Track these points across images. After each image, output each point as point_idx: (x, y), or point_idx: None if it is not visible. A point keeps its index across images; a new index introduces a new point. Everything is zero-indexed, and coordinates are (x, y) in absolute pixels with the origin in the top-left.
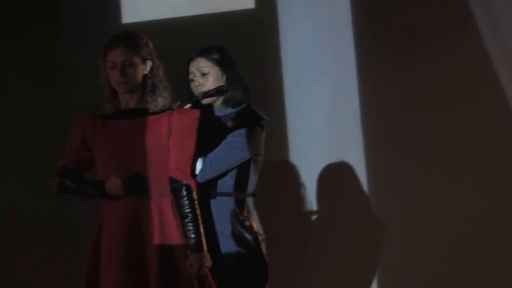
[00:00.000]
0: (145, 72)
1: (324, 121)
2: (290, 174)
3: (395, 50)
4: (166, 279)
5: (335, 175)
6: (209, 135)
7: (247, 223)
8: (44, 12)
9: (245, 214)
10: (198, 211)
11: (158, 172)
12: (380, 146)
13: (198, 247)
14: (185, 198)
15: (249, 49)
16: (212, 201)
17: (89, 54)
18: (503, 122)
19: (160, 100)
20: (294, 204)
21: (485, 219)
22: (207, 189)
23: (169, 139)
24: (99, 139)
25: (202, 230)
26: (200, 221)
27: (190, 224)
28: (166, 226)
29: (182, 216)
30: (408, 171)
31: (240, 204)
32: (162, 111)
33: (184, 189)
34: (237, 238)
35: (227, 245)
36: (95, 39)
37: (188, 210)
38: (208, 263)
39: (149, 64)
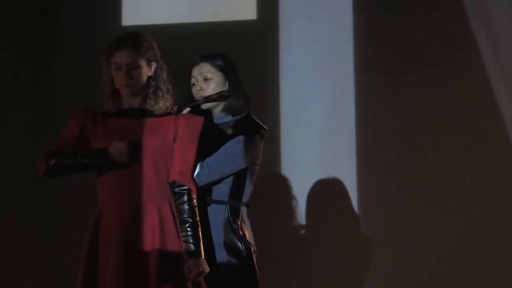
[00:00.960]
0: (150, 74)
1: (318, 136)
2: (282, 187)
3: (395, 69)
4: (164, 283)
5: (326, 191)
6: (207, 141)
7: (241, 232)
8: (45, 13)
9: (239, 223)
10: (198, 218)
11: (160, 173)
12: (372, 164)
13: (196, 253)
14: (186, 204)
15: (248, 60)
16: (208, 209)
17: (89, 55)
18: (500, 142)
19: (163, 102)
20: (285, 217)
21: (475, 238)
22: (202, 196)
23: (174, 143)
24: (100, 136)
25: (200, 236)
26: (199, 227)
27: (189, 229)
28: (165, 230)
29: (181, 221)
30: (399, 189)
31: (234, 212)
32: (165, 113)
33: (186, 194)
34: (229, 247)
35: (219, 254)
36: (95, 40)
37: (188, 216)
38: (206, 269)
39: (153, 66)
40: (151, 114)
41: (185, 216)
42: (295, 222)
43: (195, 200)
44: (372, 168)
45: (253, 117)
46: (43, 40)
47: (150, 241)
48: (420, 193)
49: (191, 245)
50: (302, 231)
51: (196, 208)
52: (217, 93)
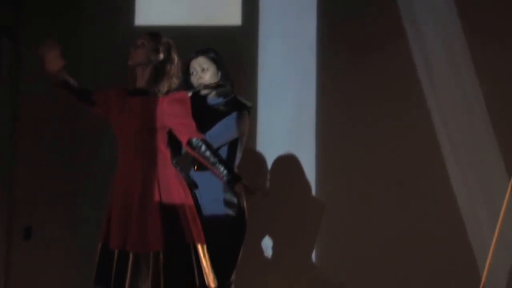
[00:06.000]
0: (153, 58)
1: (285, 120)
2: (257, 159)
3: (347, 70)
4: (168, 227)
5: (290, 163)
6: (205, 118)
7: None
8: (69, 13)
9: None
10: (219, 155)
11: (153, 137)
12: (328, 142)
13: (235, 179)
14: (207, 151)
15: (234, 57)
16: (209, 171)
17: (107, 48)
18: (425, 125)
19: (163, 87)
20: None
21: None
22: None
23: (165, 117)
24: (115, 110)
25: (229, 166)
26: (223, 160)
27: (220, 167)
28: (167, 187)
29: (212, 164)
30: (350, 163)
31: None
32: (160, 95)
33: (202, 144)
34: (228, 202)
35: (219, 208)
36: (112, 36)
37: (212, 159)
38: (247, 186)
39: (160, 55)
40: (150, 94)
41: (211, 160)
42: (265, 187)
43: (210, 146)
44: (327, 146)
45: (239, 98)
46: (67, 36)
47: (143, 187)
48: (364, 167)
49: (228, 177)
50: (271, 194)
51: (214, 150)
52: (215, 83)
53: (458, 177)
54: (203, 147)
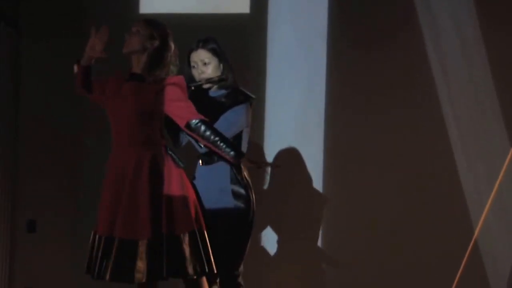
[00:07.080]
0: (148, 46)
1: (293, 112)
2: (264, 152)
3: (357, 62)
4: (157, 216)
5: (296, 157)
6: (208, 111)
7: (245, 181)
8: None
9: (243, 174)
10: (220, 133)
11: (144, 124)
12: (335, 134)
13: (239, 155)
14: (206, 131)
15: (242, 46)
16: (216, 164)
17: (110, 35)
18: (434, 122)
19: (159, 74)
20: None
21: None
22: (211, 155)
23: (161, 102)
24: (111, 96)
25: (231, 143)
26: (226, 137)
27: (222, 144)
28: (159, 176)
29: (213, 143)
30: (356, 155)
31: (238, 166)
32: (154, 82)
33: (201, 125)
34: (236, 194)
35: (227, 200)
36: (116, 24)
37: (214, 137)
38: (252, 160)
39: (155, 42)
40: (144, 79)
41: (212, 139)
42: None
43: (209, 125)
44: (336, 137)
45: (242, 89)
46: (70, 25)
47: (134, 174)
48: (373, 161)
49: (232, 153)
50: (277, 186)
51: (214, 129)
52: (217, 77)
53: (468, 173)
54: (203, 127)
